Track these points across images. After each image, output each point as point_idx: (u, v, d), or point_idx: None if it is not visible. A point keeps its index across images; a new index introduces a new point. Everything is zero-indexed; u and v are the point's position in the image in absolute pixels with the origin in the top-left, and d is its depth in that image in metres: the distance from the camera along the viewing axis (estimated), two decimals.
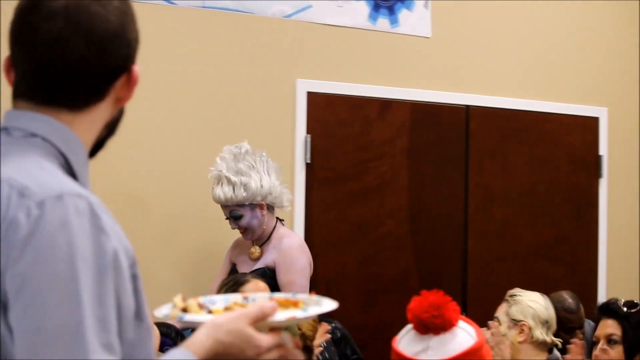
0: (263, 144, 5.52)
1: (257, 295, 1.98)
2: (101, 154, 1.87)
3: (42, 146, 1.69)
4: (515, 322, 4.35)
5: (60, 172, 1.67)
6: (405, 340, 2.78)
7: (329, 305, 1.85)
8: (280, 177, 4.90)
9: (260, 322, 1.71)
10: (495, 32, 6.25)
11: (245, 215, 4.79)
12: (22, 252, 1.51)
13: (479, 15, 6.20)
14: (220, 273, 5.05)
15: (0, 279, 1.53)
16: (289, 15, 5.59)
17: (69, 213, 1.54)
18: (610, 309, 4.03)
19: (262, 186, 4.76)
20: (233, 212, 4.79)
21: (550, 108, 6.37)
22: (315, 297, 1.90)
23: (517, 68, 6.31)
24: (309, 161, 5.63)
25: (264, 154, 4.88)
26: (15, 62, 1.75)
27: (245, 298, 1.96)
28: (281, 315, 1.75)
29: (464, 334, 2.76)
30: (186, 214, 5.35)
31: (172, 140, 5.34)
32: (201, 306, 1.87)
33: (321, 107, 5.70)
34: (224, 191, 4.74)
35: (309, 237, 5.62)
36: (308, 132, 5.64)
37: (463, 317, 2.78)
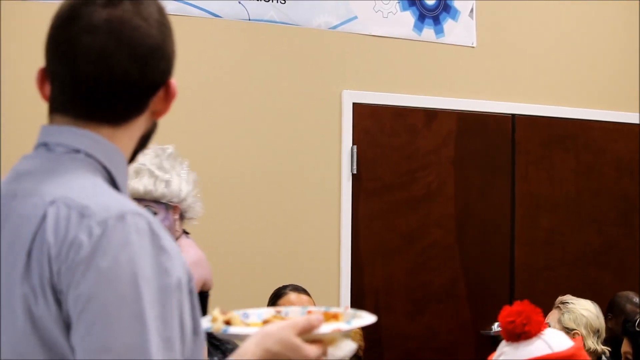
0: (309, 155, 5.54)
1: (290, 309, 1.99)
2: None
3: (87, 162, 1.67)
4: (567, 331, 4.34)
5: (111, 188, 1.66)
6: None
7: (369, 318, 1.86)
8: (197, 189, 4.73)
9: (306, 333, 1.73)
10: (540, 40, 6.23)
11: (159, 214, 4.45)
12: (85, 272, 1.50)
13: (523, 24, 6.18)
14: None
15: (62, 300, 1.53)
16: (335, 27, 5.61)
17: (130, 232, 1.53)
18: (624, 328, 4.03)
19: (181, 189, 4.50)
20: (148, 207, 4.45)
21: (595, 115, 6.36)
22: (350, 311, 1.91)
23: (562, 76, 6.29)
24: (355, 172, 5.64)
25: (185, 162, 4.71)
26: (52, 76, 1.71)
27: (278, 312, 1.96)
28: (326, 327, 1.76)
29: (542, 344, 2.78)
30: (225, 223, 5.39)
31: (217, 152, 5.36)
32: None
33: (367, 117, 5.71)
34: (144, 183, 4.43)
35: (355, 247, 5.64)
36: (354, 142, 5.65)
37: (561, 332, 2.80)
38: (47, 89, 1.72)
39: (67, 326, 1.53)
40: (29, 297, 1.54)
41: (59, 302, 1.53)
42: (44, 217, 1.57)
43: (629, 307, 4.97)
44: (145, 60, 1.68)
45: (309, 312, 1.93)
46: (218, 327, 1.81)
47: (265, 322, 1.85)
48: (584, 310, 4.40)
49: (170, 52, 1.75)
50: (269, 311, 1.97)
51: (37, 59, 1.77)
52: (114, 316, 1.49)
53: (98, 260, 1.50)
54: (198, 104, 5.31)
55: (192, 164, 5.28)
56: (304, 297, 4.28)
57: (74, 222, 1.54)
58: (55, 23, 1.69)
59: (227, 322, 1.84)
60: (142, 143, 1.80)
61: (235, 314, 1.89)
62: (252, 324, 1.89)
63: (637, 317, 3.98)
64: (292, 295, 4.27)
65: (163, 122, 1.84)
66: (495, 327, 4.79)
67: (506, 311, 2.83)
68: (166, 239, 1.58)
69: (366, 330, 5.41)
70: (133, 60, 1.66)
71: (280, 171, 5.48)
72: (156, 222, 1.59)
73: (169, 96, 1.76)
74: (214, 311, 1.85)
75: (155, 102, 1.74)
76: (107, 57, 1.64)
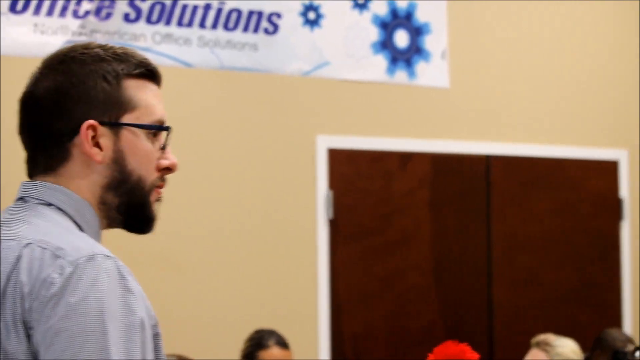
0: (284, 201, 5.53)
1: None
2: None
3: (59, 212, 1.76)
4: None
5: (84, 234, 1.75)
6: None
7: None
8: None
9: None
10: (513, 79, 6.25)
11: None
12: (54, 307, 1.58)
13: (495, 64, 6.20)
14: None
15: (32, 335, 1.60)
16: (307, 73, 5.61)
17: (100, 272, 1.61)
18: (615, 359, 4.00)
19: None
20: None
21: (569, 153, 6.37)
22: None
23: (536, 115, 6.30)
24: (332, 217, 5.62)
25: None
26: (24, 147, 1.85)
27: None
28: None
29: None
30: (200, 271, 5.36)
31: (189, 201, 5.34)
32: None
33: (342, 162, 5.71)
34: None
35: (334, 293, 5.62)
36: (330, 187, 5.64)
37: None
38: None
39: None
40: (1, 333, 1.62)
41: (29, 337, 1.61)
42: (19, 258, 1.65)
43: (618, 342, 4.94)
44: (50, 107, 1.80)
45: None
46: None
47: None
48: (571, 352, 4.36)
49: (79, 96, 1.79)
50: None
51: None
52: (79, 350, 1.56)
53: (67, 296, 1.59)
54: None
55: (164, 212, 5.25)
56: (287, 352, 4.24)
57: (47, 262, 1.63)
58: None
59: None
60: (121, 193, 1.83)
61: None
62: None
63: (629, 346, 3.96)
64: (276, 350, 4.24)
65: None
66: None
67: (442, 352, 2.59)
68: (132, 281, 1.66)
69: None
70: (39, 107, 1.82)
71: (256, 219, 5.46)
72: (123, 265, 1.67)
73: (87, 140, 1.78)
74: None
75: (79, 146, 1.78)
76: (23, 109, 1.85)
